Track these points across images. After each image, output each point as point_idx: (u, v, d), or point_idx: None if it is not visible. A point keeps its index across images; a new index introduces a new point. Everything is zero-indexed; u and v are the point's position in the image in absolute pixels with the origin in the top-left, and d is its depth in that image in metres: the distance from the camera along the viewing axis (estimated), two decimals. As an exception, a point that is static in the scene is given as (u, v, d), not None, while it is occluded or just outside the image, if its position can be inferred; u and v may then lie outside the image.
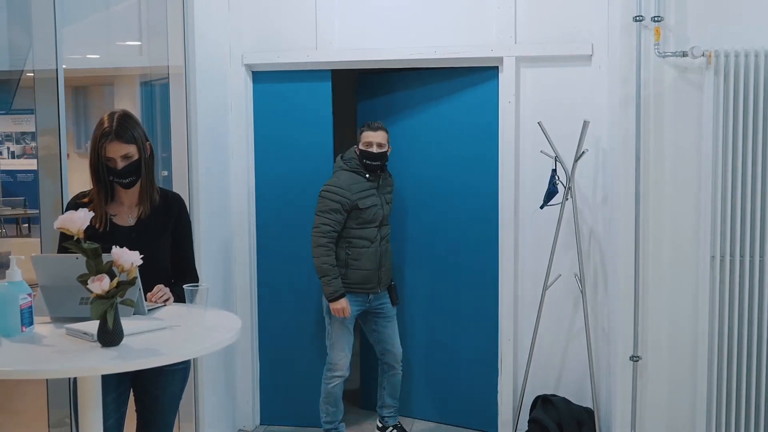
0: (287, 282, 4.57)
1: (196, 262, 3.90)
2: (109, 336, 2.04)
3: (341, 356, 4.12)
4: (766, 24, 3.57)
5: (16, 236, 10.89)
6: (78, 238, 2.07)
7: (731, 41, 3.56)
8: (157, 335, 2.18)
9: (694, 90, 3.65)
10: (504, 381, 4.39)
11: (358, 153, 4.09)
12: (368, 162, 4.05)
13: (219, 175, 4.36)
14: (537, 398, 4.25)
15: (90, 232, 2.68)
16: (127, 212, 2.79)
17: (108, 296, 2.02)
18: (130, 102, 5.73)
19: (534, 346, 4.18)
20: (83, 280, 2.03)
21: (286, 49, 4.44)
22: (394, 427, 4.37)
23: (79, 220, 2.05)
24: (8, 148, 13.20)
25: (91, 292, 2.01)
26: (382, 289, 4.18)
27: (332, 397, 4.16)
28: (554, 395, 4.25)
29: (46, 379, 3.29)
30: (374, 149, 4.04)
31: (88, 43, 4.47)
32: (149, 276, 2.73)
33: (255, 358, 4.63)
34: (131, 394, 2.84)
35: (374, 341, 4.30)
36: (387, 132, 4.11)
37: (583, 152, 3.99)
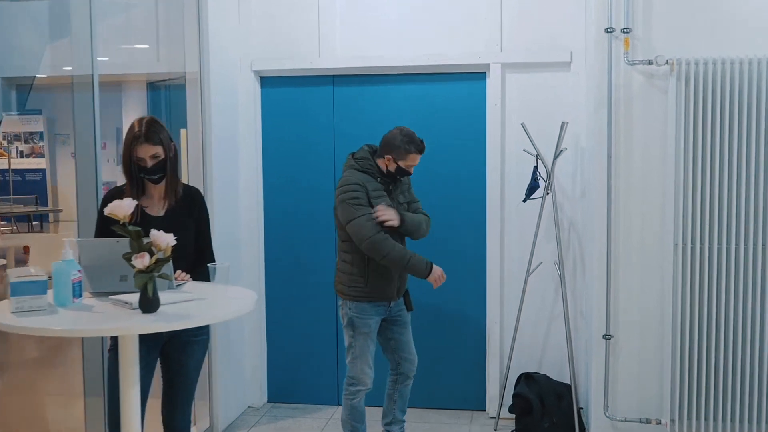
0: (293, 268, 4.99)
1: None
2: (149, 303, 2.44)
3: (365, 370, 3.82)
4: (723, 36, 3.95)
5: (28, 232, 11.26)
6: (124, 222, 2.47)
7: (692, 51, 3.94)
8: (187, 304, 2.58)
9: (660, 94, 4.03)
10: (491, 361, 4.80)
11: (387, 164, 3.78)
12: (399, 178, 3.85)
13: (229, 173, 4.75)
14: (521, 375, 4.65)
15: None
16: (157, 204, 3.18)
17: (148, 270, 2.42)
18: (140, 106, 6.13)
19: (518, 328, 4.58)
20: (128, 257, 2.43)
21: (292, 56, 4.84)
22: None
23: (126, 207, 2.45)
24: (17, 148, 13.58)
25: (134, 267, 2.41)
26: (400, 296, 3.95)
27: (357, 412, 3.88)
28: (537, 372, 4.65)
29: (83, 365, 3.71)
30: (411, 170, 3.85)
31: (106, 50, 4.85)
32: (177, 259, 3.12)
33: (263, 339, 5.04)
34: (157, 366, 3.23)
35: (391, 350, 4.00)
36: None
37: (561, 151, 4.39)
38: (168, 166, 3.13)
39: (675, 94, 3.93)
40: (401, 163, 3.77)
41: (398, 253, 3.69)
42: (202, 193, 3.35)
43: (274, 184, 5.00)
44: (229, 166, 4.75)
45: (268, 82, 4.97)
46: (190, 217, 3.24)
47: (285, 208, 4.99)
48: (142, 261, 2.40)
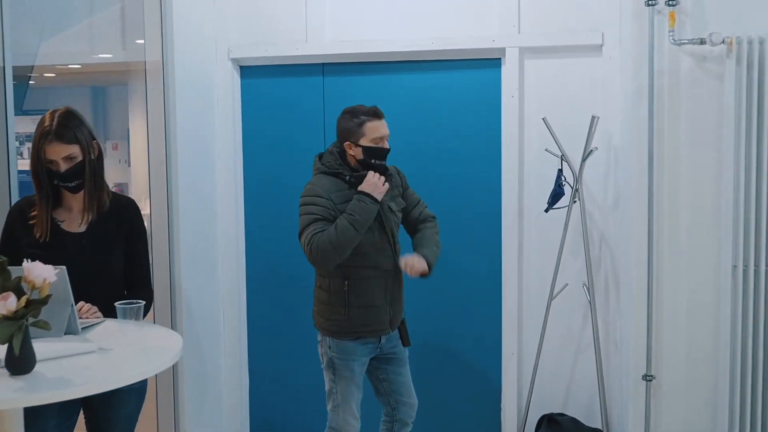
0: (279, 287, 4.32)
1: (179, 270, 3.71)
2: (17, 363, 1.77)
3: (349, 421, 3.17)
4: (794, 7, 3.27)
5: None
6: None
7: (755, 27, 3.30)
8: (80, 360, 1.91)
9: (714, 81, 3.38)
10: (507, 398, 4.10)
11: (353, 155, 3.09)
12: (378, 162, 3.08)
13: (203, 178, 4.10)
14: (543, 417, 3.95)
15: (32, 239, 2.49)
16: (76, 218, 2.61)
17: (16, 317, 1.75)
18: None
19: (539, 362, 3.88)
20: (-13, 298, 1.76)
21: (276, 41, 4.17)
22: None
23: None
24: (29, 149, 13.22)
25: (-4, 312, 1.74)
26: (394, 328, 3.24)
27: None
28: (562, 414, 3.94)
29: None
30: (386, 144, 3.11)
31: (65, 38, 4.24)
32: (101, 286, 2.58)
33: (243, 368, 4.38)
34: (79, 418, 2.62)
35: (385, 393, 3.33)
36: None
37: (591, 150, 3.69)
38: (87, 171, 2.51)
39: (734, 81, 3.30)
40: (364, 142, 3.04)
41: (343, 236, 2.91)
42: (137, 204, 2.71)
43: (257, 190, 4.34)
44: (202, 170, 4.10)
45: (248, 71, 4.30)
46: (119, 233, 2.63)
47: (269, 217, 4.32)
48: (5, 304, 1.73)
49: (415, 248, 3.22)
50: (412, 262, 3.08)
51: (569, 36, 3.88)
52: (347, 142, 3.07)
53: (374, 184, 3.00)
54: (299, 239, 3.04)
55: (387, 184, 3.05)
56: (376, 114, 3.08)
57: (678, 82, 3.40)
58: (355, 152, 3.07)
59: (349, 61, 4.18)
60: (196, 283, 3.96)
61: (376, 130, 3.05)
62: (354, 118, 3.07)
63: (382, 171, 3.11)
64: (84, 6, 4.31)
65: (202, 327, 4.02)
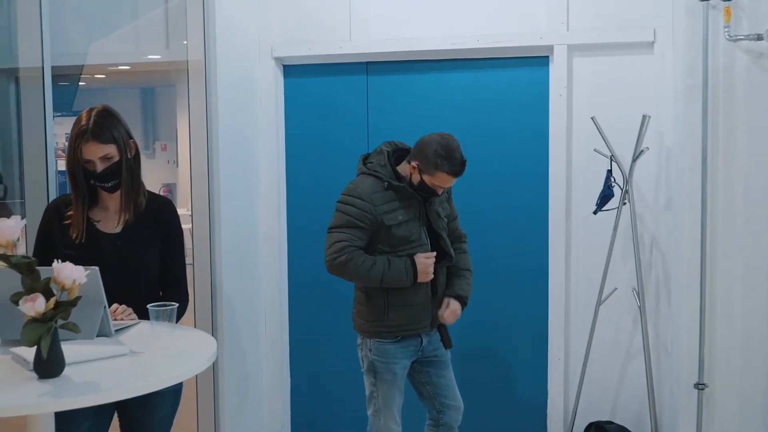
0: (320, 289, 4.27)
1: (220, 271, 3.69)
2: (45, 366, 1.75)
3: (391, 426, 3.13)
4: None
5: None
6: (7, 254, 1.79)
7: None
8: (110, 363, 1.89)
9: None
10: (553, 404, 3.98)
11: (411, 172, 3.00)
12: (422, 193, 3.03)
13: (245, 178, 4.08)
14: (590, 425, 3.82)
15: (68, 239, 2.48)
16: (112, 218, 2.58)
17: (45, 319, 1.73)
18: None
19: (586, 367, 3.76)
20: (16, 299, 1.75)
21: (319, 40, 4.12)
22: None
23: (9, 229, 1.77)
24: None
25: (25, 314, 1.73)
26: (434, 326, 3.18)
27: None
28: (610, 422, 3.81)
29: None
30: (440, 192, 3.06)
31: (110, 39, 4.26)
32: (136, 288, 2.55)
33: (285, 367, 4.35)
34: (114, 420, 2.61)
35: (429, 397, 3.25)
36: None
37: (642, 151, 3.55)
38: (124, 170, 2.49)
39: (793, 77, 3.10)
40: (426, 178, 2.96)
41: (361, 272, 2.96)
42: (175, 205, 2.68)
43: (300, 190, 4.30)
44: (244, 170, 4.07)
45: (291, 70, 4.26)
46: (155, 234, 2.60)
47: (312, 219, 4.27)
48: (34, 306, 1.71)
49: (449, 277, 3.19)
50: (450, 315, 3.11)
51: (619, 33, 3.75)
52: (416, 163, 2.97)
53: (425, 271, 2.99)
54: (328, 232, 3.04)
55: (430, 260, 3.02)
56: (458, 174, 2.95)
57: (733, 80, 3.24)
58: (414, 175, 3.00)
59: (394, 59, 4.10)
60: (238, 284, 3.94)
61: (443, 182, 2.97)
62: (441, 158, 2.91)
63: (428, 198, 3.06)
64: (130, 7, 4.34)
65: (243, 328, 4.00)
